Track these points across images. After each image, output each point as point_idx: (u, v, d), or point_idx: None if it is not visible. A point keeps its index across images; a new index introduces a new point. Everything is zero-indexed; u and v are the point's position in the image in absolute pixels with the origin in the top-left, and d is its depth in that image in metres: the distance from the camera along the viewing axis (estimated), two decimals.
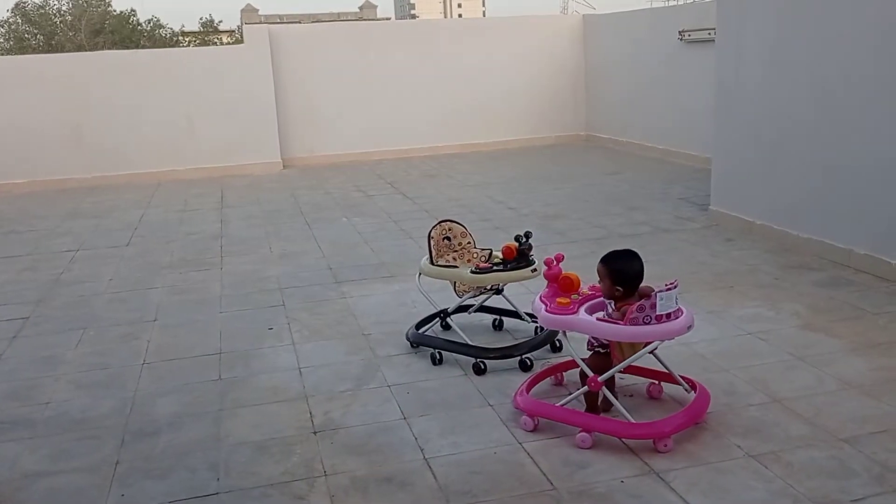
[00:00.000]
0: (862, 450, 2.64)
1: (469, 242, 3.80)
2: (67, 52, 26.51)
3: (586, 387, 2.85)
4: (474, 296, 3.79)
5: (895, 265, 4.35)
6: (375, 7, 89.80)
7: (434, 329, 3.81)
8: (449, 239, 3.78)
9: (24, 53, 30.00)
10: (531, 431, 2.88)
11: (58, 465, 2.83)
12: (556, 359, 3.51)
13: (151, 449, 2.91)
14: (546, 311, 2.86)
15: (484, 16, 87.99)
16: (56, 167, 9.20)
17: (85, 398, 3.39)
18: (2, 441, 3.03)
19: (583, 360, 2.89)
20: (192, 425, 3.08)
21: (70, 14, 39.42)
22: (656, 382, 3.11)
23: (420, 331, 3.76)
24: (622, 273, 2.84)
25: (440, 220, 3.84)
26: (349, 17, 70.07)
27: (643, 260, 2.90)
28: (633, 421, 2.77)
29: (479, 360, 3.45)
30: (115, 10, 40.91)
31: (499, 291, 3.78)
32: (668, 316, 2.67)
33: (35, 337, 4.20)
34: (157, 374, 3.62)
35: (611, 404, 2.87)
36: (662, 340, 2.75)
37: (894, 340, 3.57)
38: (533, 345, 3.52)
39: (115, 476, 2.73)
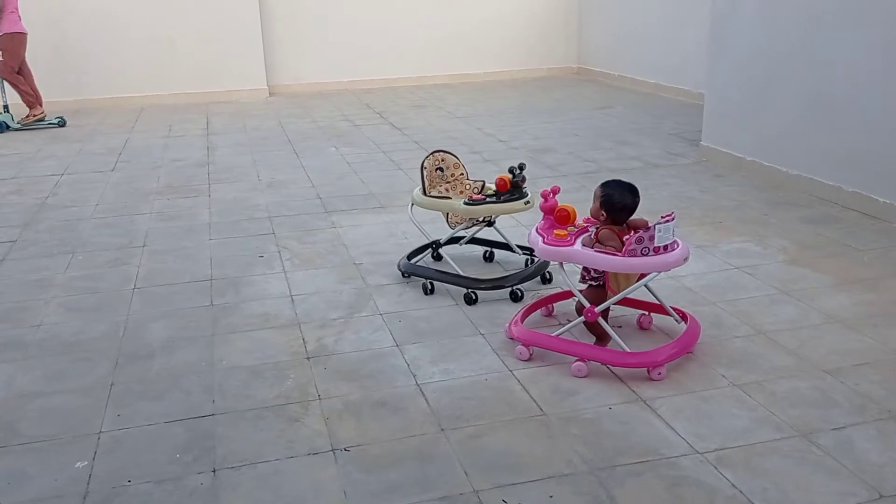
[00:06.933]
0: (844, 381, 2.72)
1: (462, 174, 3.78)
2: None
3: (583, 317, 2.89)
4: (466, 227, 3.79)
5: (882, 203, 4.39)
6: None
7: (426, 260, 3.82)
8: (442, 170, 3.75)
9: None
10: (526, 361, 2.92)
11: (52, 386, 2.85)
12: (546, 290, 3.55)
13: (146, 372, 2.94)
14: (544, 242, 2.87)
15: None
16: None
17: (76, 321, 3.39)
18: None
19: (579, 291, 2.92)
20: (186, 349, 3.11)
21: None
22: (647, 313, 3.16)
23: (412, 261, 3.77)
24: (611, 200, 2.87)
25: (433, 150, 3.81)
26: None
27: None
28: (628, 350, 2.82)
29: (470, 290, 3.47)
30: None
31: (490, 223, 3.79)
32: (665, 248, 2.69)
33: (23, 260, 4.17)
34: (149, 299, 3.62)
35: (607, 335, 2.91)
36: (659, 272, 2.77)
37: (879, 276, 3.63)
38: (524, 276, 3.55)
39: (111, 397, 2.76)
